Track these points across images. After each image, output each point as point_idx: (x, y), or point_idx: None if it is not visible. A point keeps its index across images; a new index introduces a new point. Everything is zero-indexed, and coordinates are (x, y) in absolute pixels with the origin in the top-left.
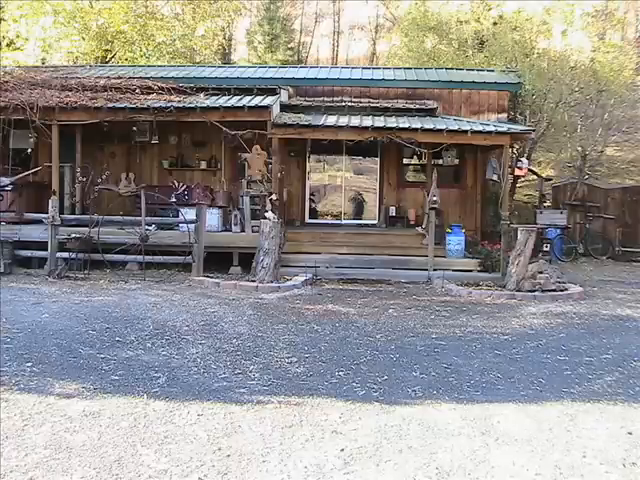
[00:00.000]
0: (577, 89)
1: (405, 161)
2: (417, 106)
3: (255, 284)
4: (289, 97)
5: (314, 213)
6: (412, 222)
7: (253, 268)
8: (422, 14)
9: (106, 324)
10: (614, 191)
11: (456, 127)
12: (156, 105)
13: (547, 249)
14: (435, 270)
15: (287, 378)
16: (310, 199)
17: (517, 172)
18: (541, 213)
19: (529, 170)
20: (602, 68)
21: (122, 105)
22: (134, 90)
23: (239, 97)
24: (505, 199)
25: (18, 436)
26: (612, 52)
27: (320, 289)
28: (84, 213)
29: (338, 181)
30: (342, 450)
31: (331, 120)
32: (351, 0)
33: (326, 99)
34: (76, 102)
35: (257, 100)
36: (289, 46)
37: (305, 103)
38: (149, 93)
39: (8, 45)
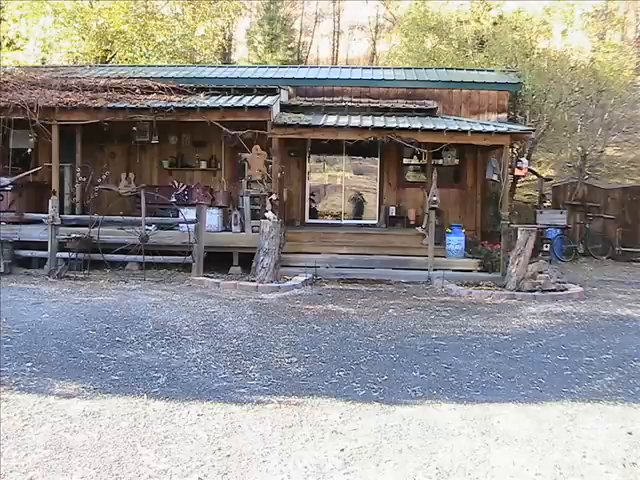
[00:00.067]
0: (577, 89)
1: (405, 161)
2: (417, 106)
3: (255, 284)
4: (289, 97)
5: (314, 213)
6: (412, 222)
7: (253, 268)
8: (422, 14)
9: (106, 324)
10: (614, 191)
11: (456, 127)
12: (156, 105)
13: (547, 249)
14: (435, 270)
15: (287, 378)
16: (310, 199)
17: (517, 172)
18: (541, 213)
19: (529, 170)
20: (602, 68)
21: (122, 105)
22: (134, 90)
23: (239, 97)
24: (505, 199)
25: (18, 436)
26: (612, 52)
27: (320, 289)
28: (84, 213)
29: (338, 181)
30: (342, 450)
31: (331, 120)
32: (351, 0)
33: (326, 99)
34: (76, 102)
35: (257, 100)
36: (289, 46)
37: (305, 103)
38: (149, 93)
39: (8, 45)
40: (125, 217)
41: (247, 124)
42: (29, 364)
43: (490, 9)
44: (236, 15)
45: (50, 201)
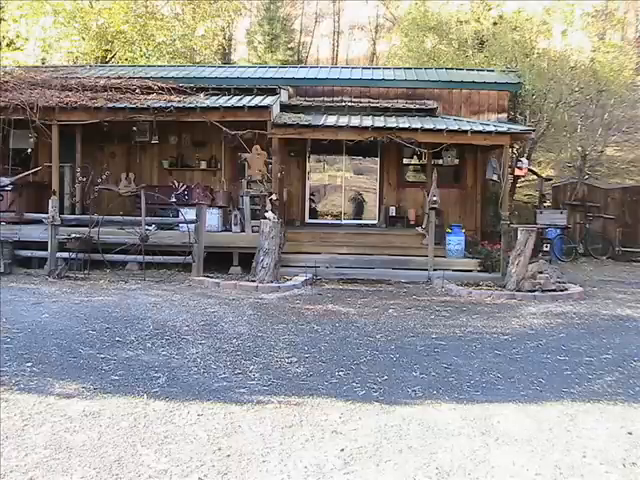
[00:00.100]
0: (577, 89)
1: (405, 161)
2: (417, 106)
3: (255, 284)
4: (289, 97)
5: (314, 213)
6: (412, 222)
7: (253, 268)
8: (422, 14)
9: (106, 324)
10: (614, 191)
11: (456, 127)
12: (156, 105)
13: (547, 249)
14: (435, 270)
15: (287, 378)
16: (310, 199)
17: (517, 172)
18: (541, 213)
19: (529, 170)
20: (602, 68)
21: (122, 105)
22: (134, 90)
23: (239, 97)
24: (505, 199)
25: (18, 436)
26: (612, 52)
27: (320, 289)
28: (84, 213)
29: (338, 181)
30: (342, 450)
31: (331, 120)
32: (351, 0)
33: (326, 99)
34: (76, 102)
35: (257, 100)
36: (289, 46)
37: (305, 103)
38: (149, 93)
39: (8, 45)
40: (125, 217)
41: (247, 124)
42: (29, 364)
43: (490, 9)
44: (236, 15)
45: (50, 201)
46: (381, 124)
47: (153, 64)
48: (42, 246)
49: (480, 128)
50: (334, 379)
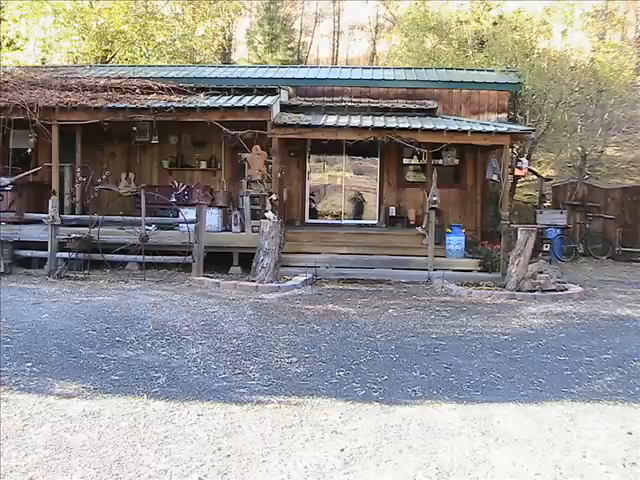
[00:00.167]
0: (577, 89)
1: (405, 161)
2: (417, 106)
3: (255, 284)
4: (289, 97)
5: (314, 213)
6: (412, 222)
7: (253, 268)
8: (422, 14)
9: (106, 324)
10: (614, 191)
11: (456, 127)
12: (156, 105)
13: (547, 249)
14: (435, 270)
15: (287, 378)
16: (310, 199)
17: (517, 172)
18: (541, 213)
19: (529, 170)
20: (602, 68)
21: (122, 105)
22: (134, 90)
23: (239, 97)
24: (505, 199)
25: (18, 436)
26: (612, 52)
27: (320, 289)
28: (84, 213)
29: (338, 181)
30: (342, 450)
31: (331, 120)
32: (351, 0)
33: (326, 99)
34: (76, 102)
35: (257, 100)
36: (289, 46)
37: (305, 103)
38: (149, 93)
39: (8, 45)
40: (125, 217)
41: (247, 124)
42: (29, 364)
43: (490, 9)
44: (236, 15)
45: (50, 201)
46: (381, 124)
47: (153, 64)
48: (42, 246)
49: (480, 128)
50: (334, 379)
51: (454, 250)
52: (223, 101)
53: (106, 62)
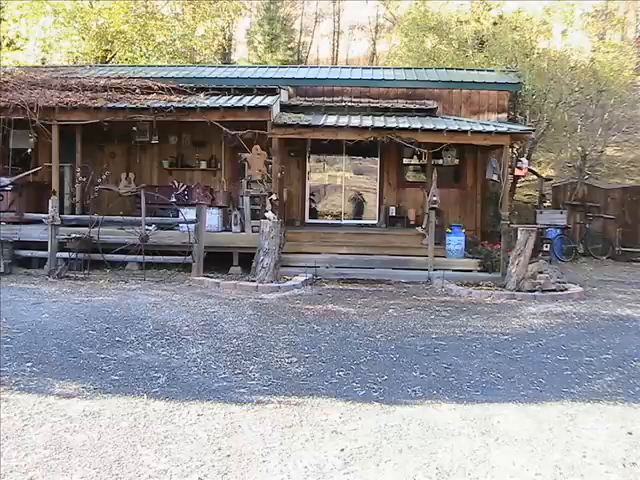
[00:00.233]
0: (577, 89)
1: (405, 161)
2: (417, 106)
3: (255, 284)
4: (289, 97)
5: (314, 213)
6: (412, 222)
7: (253, 268)
8: (422, 14)
9: (106, 324)
10: (614, 191)
11: (456, 127)
12: (156, 105)
13: (547, 249)
14: (435, 270)
15: (287, 378)
16: (310, 199)
17: (517, 172)
18: (541, 213)
19: (529, 170)
20: (602, 68)
21: (122, 105)
22: (134, 90)
23: (239, 97)
24: (505, 199)
25: (18, 436)
26: (612, 52)
27: (320, 289)
28: (84, 213)
29: (338, 181)
30: (342, 450)
31: (331, 120)
32: (351, 0)
33: (326, 99)
34: (76, 102)
35: (257, 100)
36: (289, 46)
37: (305, 103)
38: (149, 93)
39: (8, 45)
40: (125, 217)
41: (247, 124)
42: (29, 364)
43: (490, 9)
44: (236, 15)
45: (50, 201)
46: (381, 124)
47: (153, 64)
48: (42, 246)
49: (480, 128)
50: (334, 379)
51: (454, 250)
52: (223, 101)
53: (106, 62)
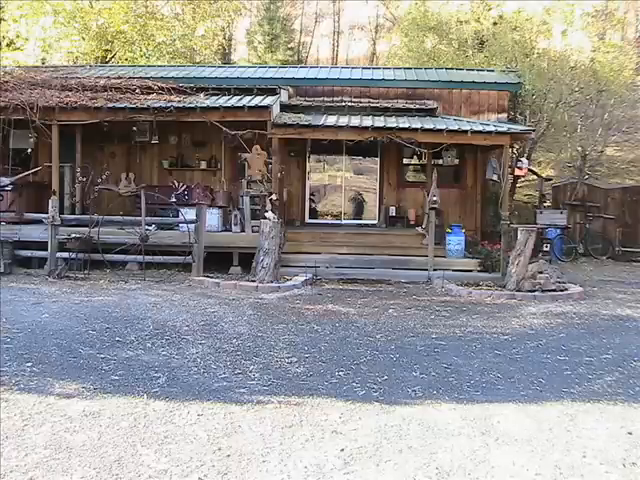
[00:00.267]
0: (577, 89)
1: (405, 161)
2: (417, 106)
3: (255, 284)
4: (289, 97)
5: (314, 213)
6: (412, 222)
7: (253, 268)
8: (422, 14)
9: (106, 324)
10: (614, 191)
11: (456, 127)
12: (156, 105)
13: (547, 249)
14: (435, 270)
15: (287, 378)
16: (310, 199)
17: (517, 172)
18: (541, 213)
19: (529, 170)
20: (602, 68)
21: (122, 105)
22: (134, 90)
23: (239, 97)
24: (505, 199)
25: (18, 436)
26: (612, 52)
27: (320, 289)
28: (84, 213)
29: (338, 181)
30: (342, 450)
31: (331, 120)
32: (351, 0)
33: (326, 99)
34: (76, 102)
35: (257, 100)
36: (289, 46)
37: (305, 103)
38: (149, 93)
39: (8, 45)
40: (125, 217)
41: (247, 124)
42: (29, 364)
43: (490, 9)
44: (236, 15)
45: (50, 201)
46: (381, 124)
47: (153, 64)
48: (42, 246)
49: (480, 128)
50: (334, 379)
51: (454, 250)
52: (223, 101)
53: (106, 62)
